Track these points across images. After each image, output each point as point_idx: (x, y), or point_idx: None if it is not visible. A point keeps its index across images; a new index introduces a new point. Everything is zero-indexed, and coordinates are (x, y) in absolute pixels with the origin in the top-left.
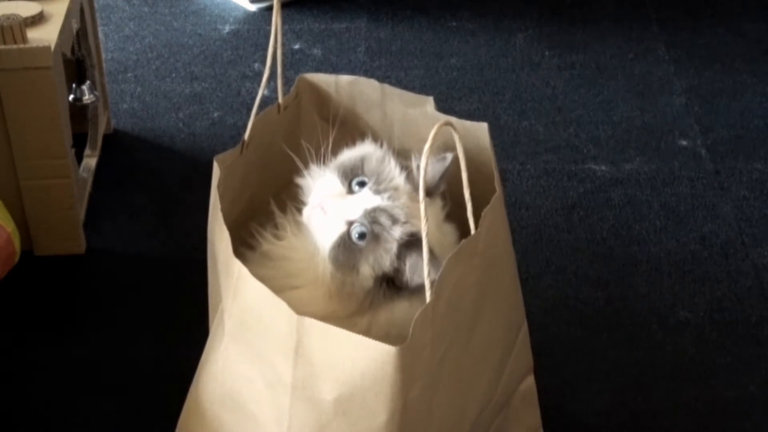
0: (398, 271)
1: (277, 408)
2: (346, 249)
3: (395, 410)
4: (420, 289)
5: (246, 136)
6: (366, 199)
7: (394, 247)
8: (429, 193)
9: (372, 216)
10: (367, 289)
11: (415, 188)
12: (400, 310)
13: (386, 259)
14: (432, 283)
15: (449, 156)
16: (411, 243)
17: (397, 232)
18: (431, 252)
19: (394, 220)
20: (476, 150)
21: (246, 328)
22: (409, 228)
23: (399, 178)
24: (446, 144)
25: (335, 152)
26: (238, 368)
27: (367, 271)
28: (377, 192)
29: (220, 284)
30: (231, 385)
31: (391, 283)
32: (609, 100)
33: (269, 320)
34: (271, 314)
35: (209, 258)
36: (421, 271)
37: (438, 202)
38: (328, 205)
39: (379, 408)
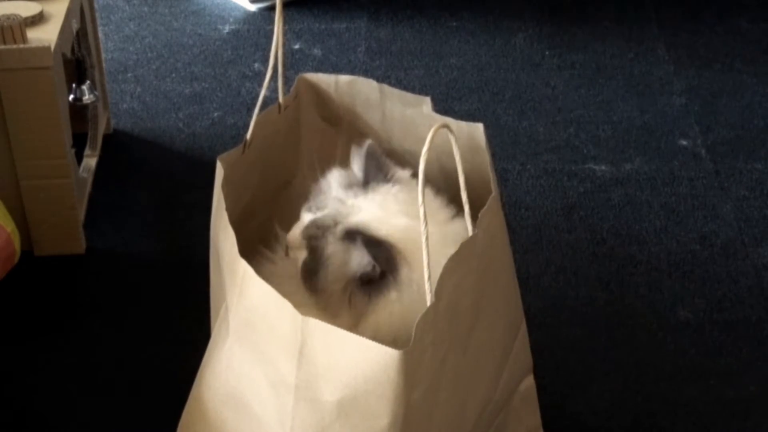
0: (354, 269)
1: (281, 408)
2: (309, 273)
3: (397, 413)
4: (388, 283)
5: (248, 135)
6: (302, 222)
7: (337, 250)
8: (367, 181)
9: (307, 233)
10: (342, 300)
11: (351, 185)
12: (384, 308)
13: (335, 265)
14: (431, 286)
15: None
16: (350, 237)
17: (332, 236)
18: (373, 239)
19: (325, 228)
20: (472, 151)
21: (250, 328)
22: (342, 228)
23: (336, 188)
24: (443, 145)
25: (334, 152)
26: (241, 368)
27: (329, 286)
28: (309, 210)
29: (224, 283)
30: (234, 385)
31: (367, 285)
32: (609, 100)
33: (274, 320)
34: (276, 314)
35: (212, 257)
36: (359, 259)
37: (398, 195)
38: (289, 242)
39: (382, 411)
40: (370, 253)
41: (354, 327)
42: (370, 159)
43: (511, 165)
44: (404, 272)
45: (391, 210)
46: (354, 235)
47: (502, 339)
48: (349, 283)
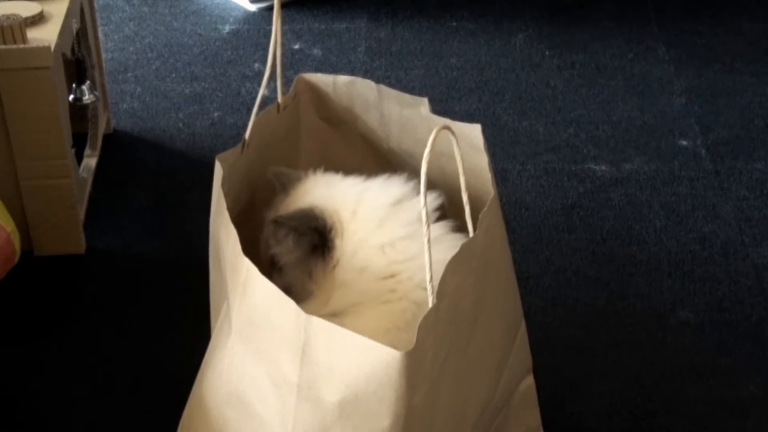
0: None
1: (282, 408)
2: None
3: (399, 415)
4: (331, 243)
5: (247, 135)
6: None
7: (278, 247)
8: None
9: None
10: (307, 281)
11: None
12: (337, 266)
13: (286, 259)
14: (434, 289)
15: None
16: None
17: (271, 239)
18: (290, 214)
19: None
20: (470, 152)
21: (253, 327)
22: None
23: None
24: (442, 146)
25: (334, 152)
26: (244, 366)
27: (293, 279)
28: None
29: (225, 282)
30: (237, 384)
31: (316, 254)
32: (609, 100)
33: (277, 319)
34: (279, 313)
35: (212, 257)
36: (284, 235)
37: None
38: None
39: (383, 412)
40: (288, 225)
41: (326, 302)
42: (278, 178)
43: (511, 165)
44: (338, 231)
45: (311, 188)
46: (273, 222)
47: (501, 339)
48: (302, 264)
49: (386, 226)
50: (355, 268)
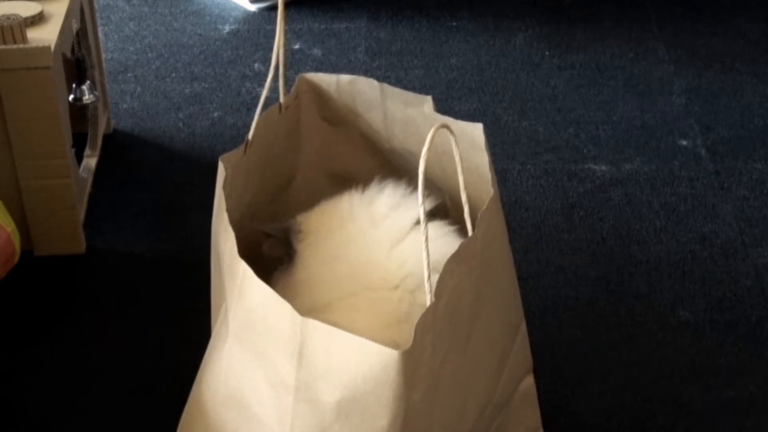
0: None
1: (281, 409)
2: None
3: (397, 414)
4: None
5: (249, 135)
6: None
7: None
8: None
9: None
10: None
11: None
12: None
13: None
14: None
15: None
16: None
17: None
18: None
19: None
20: (472, 151)
21: (250, 329)
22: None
23: None
24: (444, 145)
25: (335, 152)
26: (241, 368)
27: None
28: None
29: (224, 284)
30: (234, 386)
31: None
32: (609, 100)
33: (273, 321)
34: (276, 315)
35: (212, 258)
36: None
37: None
38: None
39: (381, 412)
40: (264, 233)
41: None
42: None
43: (511, 165)
44: (300, 238)
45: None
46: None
47: (501, 339)
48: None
49: (347, 227)
50: (317, 263)
